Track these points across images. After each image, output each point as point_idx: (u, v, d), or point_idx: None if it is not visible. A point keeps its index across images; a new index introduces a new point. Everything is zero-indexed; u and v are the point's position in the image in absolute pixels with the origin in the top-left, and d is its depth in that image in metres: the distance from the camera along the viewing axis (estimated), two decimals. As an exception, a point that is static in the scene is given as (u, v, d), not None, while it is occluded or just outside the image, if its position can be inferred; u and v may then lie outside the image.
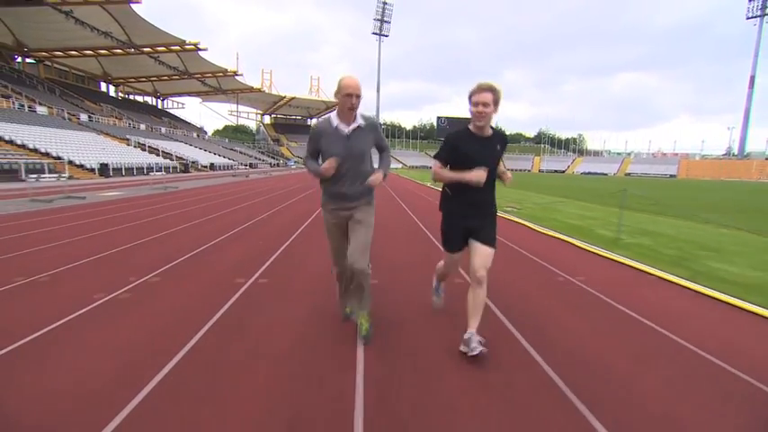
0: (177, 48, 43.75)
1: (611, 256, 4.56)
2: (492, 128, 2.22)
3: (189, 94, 67.35)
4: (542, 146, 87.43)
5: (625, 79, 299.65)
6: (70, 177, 18.82)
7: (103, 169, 21.38)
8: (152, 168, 26.55)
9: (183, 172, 30.06)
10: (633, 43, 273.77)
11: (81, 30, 34.56)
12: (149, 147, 32.55)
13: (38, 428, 1.54)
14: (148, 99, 64.63)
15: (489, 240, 2.21)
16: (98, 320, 2.55)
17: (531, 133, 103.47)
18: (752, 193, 21.76)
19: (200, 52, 45.73)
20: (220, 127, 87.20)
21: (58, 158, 20.25)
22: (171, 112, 66.87)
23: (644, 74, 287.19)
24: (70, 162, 20.50)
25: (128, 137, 32.63)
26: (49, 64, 44.11)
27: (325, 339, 2.36)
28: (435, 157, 2.29)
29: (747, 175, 62.47)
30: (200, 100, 73.47)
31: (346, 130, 2.19)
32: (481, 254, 2.18)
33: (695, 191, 23.08)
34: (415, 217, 7.83)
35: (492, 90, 2.07)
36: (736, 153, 75.30)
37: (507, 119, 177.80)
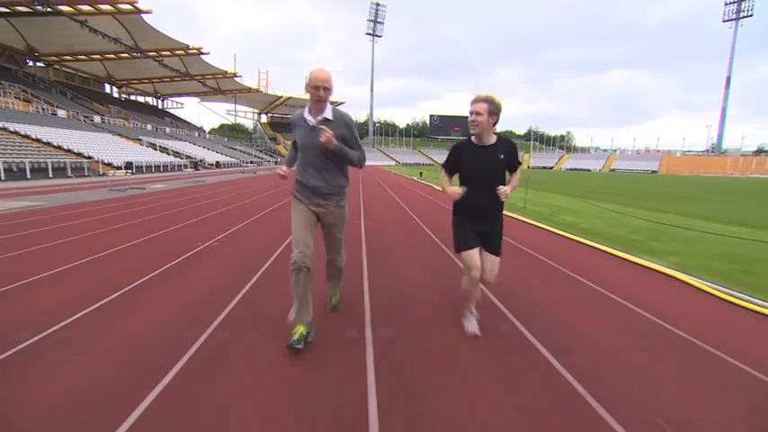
0: (181, 52, 46.48)
1: (512, 215, 7.87)
2: (498, 136, 2.36)
3: (188, 94, 69.92)
4: (531, 143, 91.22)
5: (617, 76, 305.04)
6: (103, 174, 21.81)
7: (129, 167, 24.35)
8: (167, 167, 29.52)
9: (194, 169, 33.01)
10: (625, 40, 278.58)
11: (91, 36, 37.20)
12: (160, 146, 35.45)
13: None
14: (149, 99, 67.13)
15: (495, 250, 2.43)
16: (203, 257, 4.37)
17: (521, 131, 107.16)
18: (666, 185, 25.31)
19: (201, 56, 48.38)
20: (216, 125, 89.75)
21: (90, 158, 23.20)
22: (171, 111, 69.42)
23: (635, 71, 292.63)
24: (100, 161, 23.46)
25: (140, 137, 35.48)
26: (58, 67, 46.67)
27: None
28: (443, 166, 2.51)
29: (722, 170, 66.50)
30: (199, 100, 76.07)
31: (313, 121, 2.23)
32: (489, 262, 2.40)
33: (630, 182, 26.62)
34: (403, 204, 11.08)
35: (488, 101, 2.24)
36: (722, 149, 79.39)
37: (501, 116, 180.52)
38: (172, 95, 69.80)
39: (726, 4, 73.81)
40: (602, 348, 2.36)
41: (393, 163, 74.19)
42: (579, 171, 66.43)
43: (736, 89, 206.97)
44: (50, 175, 18.78)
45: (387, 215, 7.84)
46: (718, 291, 3.41)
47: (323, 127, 2.15)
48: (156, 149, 34.36)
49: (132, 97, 64.45)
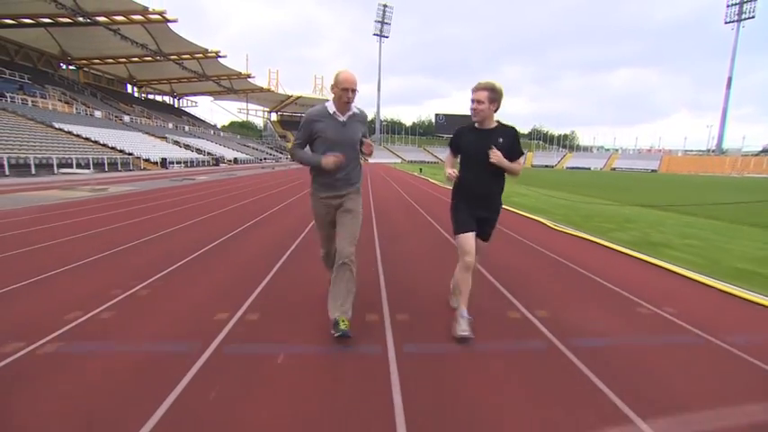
0: (200, 55, 50.15)
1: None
2: (499, 122, 2.43)
3: (203, 93, 73.81)
4: (534, 142, 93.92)
5: (625, 74, 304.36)
6: (144, 169, 25.40)
7: (164, 163, 27.94)
8: (192, 162, 33.10)
9: (215, 165, 36.58)
10: (633, 39, 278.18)
11: (120, 41, 40.91)
12: (183, 144, 39.09)
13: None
14: (166, 98, 71.11)
15: (486, 236, 2.56)
16: (250, 230, 8.36)
17: (526, 129, 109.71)
18: (636, 181, 28.27)
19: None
20: (226, 123, 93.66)
21: (131, 154, 26.81)
22: (186, 110, 73.34)
23: (644, 69, 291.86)
24: (139, 157, 27.07)
25: (165, 135, 39.16)
26: (87, 70, 50.61)
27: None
28: (449, 145, 2.61)
29: (721, 169, 68.70)
30: (212, 98, 79.95)
31: (343, 117, 2.39)
32: (478, 246, 2.48)
33: (609, 179, 29.62)
34: (406, 195, 14.39)
35: (489, 89, 2.29)
36: (722, 149, 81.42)
37: (507, 114, 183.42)
38: (188, 94, 73.76)
39: (728, 6, 75.77)
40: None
41: (399, 160, 77.40)
42: (579, 170, 69.04)
43: (747, 88, 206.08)
44: (106, 169, 22.37)
45: (389, 198, 11.16)
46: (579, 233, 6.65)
47: (368, 143, 2.48)
48: (179, 146, 38.00)
49: (150, 96, 68.51)
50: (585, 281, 3.69)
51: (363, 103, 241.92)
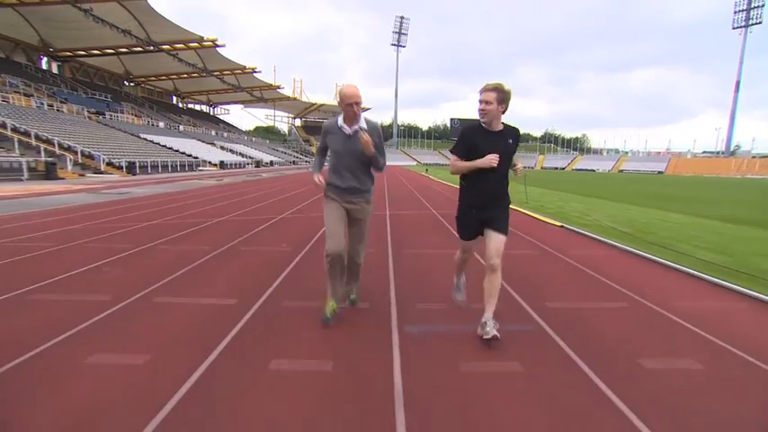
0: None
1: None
2: (505, 124, 2.51)
3: (235, 102, 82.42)
4: (546, 145, 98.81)
5: (646, 74, 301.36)
6: (208, 169, 32.80)
7: (222, 164, 35.36)
8: (239, 164, 40.54)
9: (257, 167, 44.00)
10: (653, 37, 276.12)
11: (175, 62, 48.94)
12: (228, 149, 46.76)
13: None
14: (203, 107, 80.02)
15: (502, 228, 2.52)
16: (290, 219, 15.65)
17: (538, 133, 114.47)
18: (629, 182, 33.81)
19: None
20: (252, 128, 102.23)
21: (196, 157, 34.30)
22: (221, 117, 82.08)
23: (666, 69, 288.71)
24: (205, 160, 34.55)
25: (213, 141, 46.95)
26: (144, 86, 59.34)
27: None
28: (452, 151, 2.59)
29: (726, 171, 72.31)
30: (242, 106, 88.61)
31: (349, 130, 2.57)
32: (494, 241, 2.48)
33: (605, 181, 35.29)
34: (409, 185, 21.06)
35: (496, 90, 2.35)
36: (731, 151, 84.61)
37: (524, 117, 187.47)
38: (222, 103, 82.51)
39: (735, 12, 79.30)
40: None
41: (414, 163, 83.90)
42: (584, 171, 73.93)
43: (761, 90, 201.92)
44: (186, 170, 29.80)
45: (399, 190, 17.78)
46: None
47: (364, 132, 2.51)
48: (225, 151, 45.65)
49: (190, 106, 77.42)
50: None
51: (381, 106, 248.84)
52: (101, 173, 21.29)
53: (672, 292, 3.58)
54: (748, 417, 1.86)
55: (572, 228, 6.87)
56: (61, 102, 32.89)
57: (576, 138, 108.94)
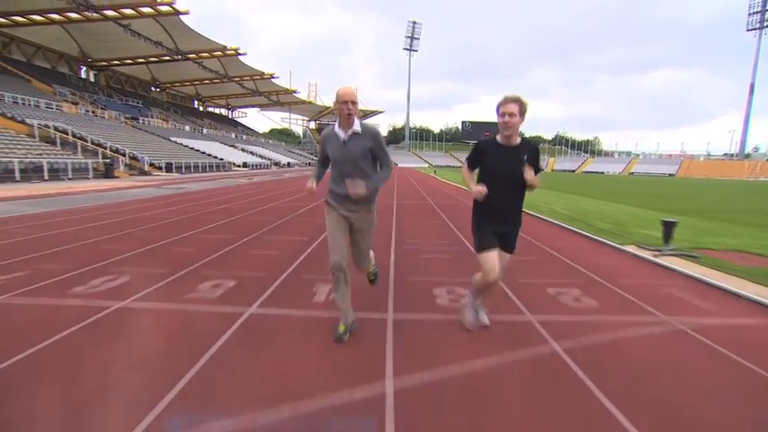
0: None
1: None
2: (522, 138, 2.53)
3: (253, 105, 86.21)
4: (556, 147, 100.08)
5: (663, 76, 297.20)
6: (233, 170, 35.87)
7: (245, 165, 38.45)
8: (260, 165, 43.63)
9: (277, 167, 47.04)
10: (671, 37, 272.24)
11: (200, 69, 52.51)
12: (249, 150, 50.01)
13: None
14: (222, 110, 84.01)
15: (511, 248, 2.65)
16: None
17: (549, 135, 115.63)
18: (630, 184, 35.67)
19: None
20: (267, 130, 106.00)
21: (222, 159, 37.45)
22: (238, 120, 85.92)
23: (683, 70, 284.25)
24: (229, 161, 37.67)
25: (235, 144, 50.26)
26: (168, 91, 63.29)
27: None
28: (467, 159, 2.68)
29: (739, 174, 72.75)
30: (259, 109, 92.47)
31: (344, 135, 2.52)
32: (502, 260, 2.59)
33: (609, 182, 37.20)
34: (418, 187, 23.66)
35: (517, 102, 2.38)
36: (746, 154, 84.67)
37: (536, 119, 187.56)
38: (240, 107, 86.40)
39: (749, 14, 79.66)
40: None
41: (426, 165, 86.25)
42: (593, 173, 75.24)
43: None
44: (215, 171, 32.89)
45: (408, 189, 20.36)
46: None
47: (358, 186, 2.46)
48: (246, 153, 48.88)
49: (210, 109, 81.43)
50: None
51: (393, 108, 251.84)
52: (145, 173, 24.40)
53: (568, 245, 6.01)
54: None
55: (529, 212, 9.31)
56: (101, 108, 36.42)
57: (588, 140, 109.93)
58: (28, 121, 22.29)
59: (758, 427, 1.87)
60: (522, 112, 2.39)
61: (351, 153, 2.50)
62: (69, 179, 17.56)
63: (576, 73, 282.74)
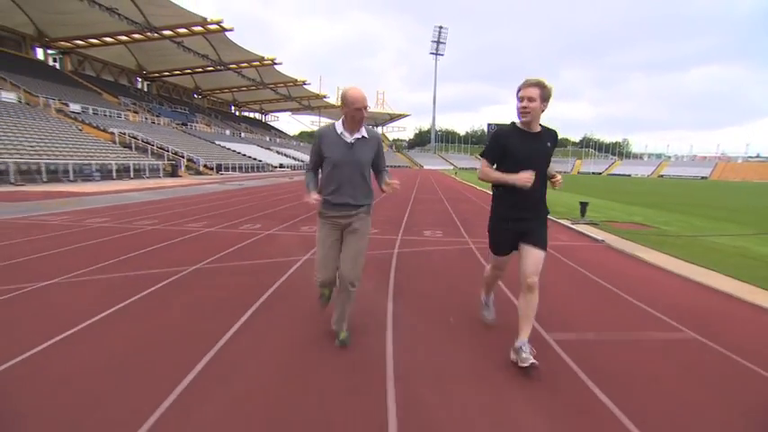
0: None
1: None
2: (542, 125, 2.33)
3: (285, 110, 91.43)
4: (583, 150, 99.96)
5: (703, 73, 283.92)
6: (271, 170, 39.90)
7: (281, 166, 42.46)
8: (294, 167, 47.65)
9: (307, 170, 50.94)
10: (712, 33, 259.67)
11: (239, 78, 57.35)
12: (283, 153, 54.28)
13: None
14: (256, 115, 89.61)
15: (540, 243, 2.32)
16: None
17: (576, 137, 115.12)
18: (655, 186, 37.12)
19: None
20: (297, 132, 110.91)
21: (260, 161, 41.61)
22: (271, 124, 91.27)
23: (727, 66, 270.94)
24: (268, 163, 41.79)
25: (270, 147, 54.67)
26: (208, 98, 68.89)
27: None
28: (482, 155, 2.42)
29: (775, 176, 71.20)
30: (290, 113, 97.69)
31: (350, 138, 2.40)
32: (532, 257, 2.29)
33: (631, 185, 38.79)
34: (436, 186, 26.65)
35: (539, 85, 2.19)
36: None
37: (567, 119, 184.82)
38: (273, 111, 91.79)
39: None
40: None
41: (451, 167, 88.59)
42: (619, 176, 75.37)
43: None
44: (257, 171, 36.97)
45: (427, 187, 23.39)
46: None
47: (393, 184, 2.44)
48: (280, 155, 53.14)
49: (244, 114, 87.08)
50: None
51: (419, 110, 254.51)
52: (200, 173, 28.56)
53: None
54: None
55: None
56: (156, 116, 41.40)
57: (617, 142, 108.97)
58: (110, 129, 26.88)
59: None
60: (545, 98, 2.22)
61: (359, 157, 2.43)
62: (147, 177, 21.70)
63: (609, 72, 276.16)
